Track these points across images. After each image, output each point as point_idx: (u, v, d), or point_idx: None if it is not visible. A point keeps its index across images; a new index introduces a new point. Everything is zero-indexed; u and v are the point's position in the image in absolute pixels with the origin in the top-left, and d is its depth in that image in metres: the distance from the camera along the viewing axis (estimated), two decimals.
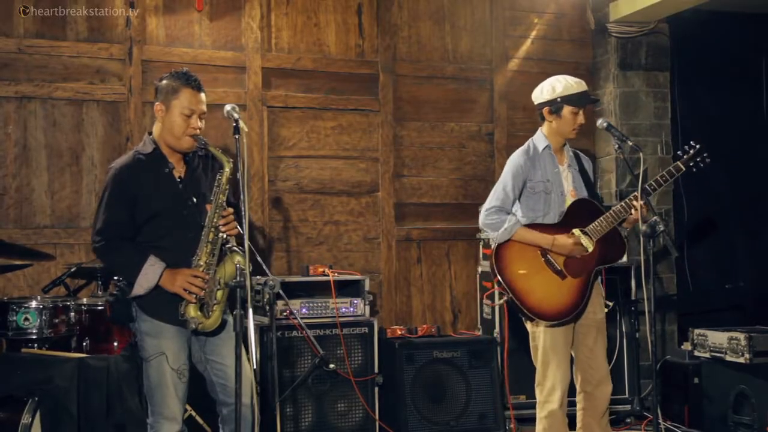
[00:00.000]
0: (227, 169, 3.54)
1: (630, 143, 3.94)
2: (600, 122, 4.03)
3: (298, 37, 5.73)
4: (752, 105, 6.68)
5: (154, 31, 5.41)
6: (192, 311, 3.44)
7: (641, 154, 3.96)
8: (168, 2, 5.44)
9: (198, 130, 3.58)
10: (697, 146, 4.07)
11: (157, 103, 3.63)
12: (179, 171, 3.63)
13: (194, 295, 3.43)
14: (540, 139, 4.16)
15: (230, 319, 3.59)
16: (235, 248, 3.48)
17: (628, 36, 6.17)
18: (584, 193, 4.15)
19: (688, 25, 6.19)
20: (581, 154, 4.29)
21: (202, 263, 3.48)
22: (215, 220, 3.50)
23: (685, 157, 4.08)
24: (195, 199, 3.60)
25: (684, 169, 4.07)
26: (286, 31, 5.70)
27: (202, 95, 3.64)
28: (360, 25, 5.87)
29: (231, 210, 3.57)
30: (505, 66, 6.18)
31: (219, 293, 3.49)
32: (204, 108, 3.64)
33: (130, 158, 3.60)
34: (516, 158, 4.15)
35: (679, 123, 6.33)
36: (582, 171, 4.21)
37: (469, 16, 6.14)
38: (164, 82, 3.65)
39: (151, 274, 3.43)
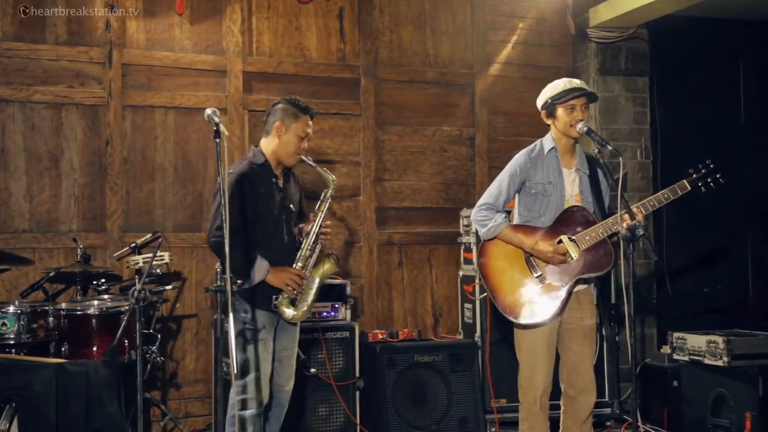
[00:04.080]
0: (332, 186, 4.12)
1: (610, 148, 3.93)
2: (580, 127, 4.02)
3: (280, 41, 5.73)
4: (730, 109, 6.75)
5: (135, 35, 5.39)
6: (286, 303, 3.94)
7: (621, 159, 3.97)
8: (148, 5, 5.42)
9: (304, 151, 4.09)
10: (711, 165, 4.00)
11: (277, 122, 4.04)
12: (281, 181, 4.10)
13: (293, 290, 3.92)
14: (548, 140, 4.15)
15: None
16: (332, 253, 4.11)
17: (608, 41, 6.22)
18: (590, 199, 4.10)
19: (667, 30, 6.25)
20: (598, 159, 4.08)
21: (300, 264, 4.00)
22: (317, 229, 4.03)
23: (694, 175, 3.99)
24: (291, 206, 4.10)
25: (690, 188, 3.98)
26: (267, 35, 5.70)
27: (311, 122, 4.12)
28: (341, 29, 5.87)
29: (329, 223, 4.11)
30: (486, 71, 6.21)
31: (312, 291, 4.02)
32: (311, 133, 4.13)
33: (246, 166, 4.00)
34: (518, 157, 4.16)
35: (658, 128, 6.39)
36: (593, 176, 4.14)
37: (450, 20, 6.16)
38: (283, 105, 4.09)
39: (262, 269, 3.88)
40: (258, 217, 3.95)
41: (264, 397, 3.95)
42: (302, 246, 4.03)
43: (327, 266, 4.07)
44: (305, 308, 4.00)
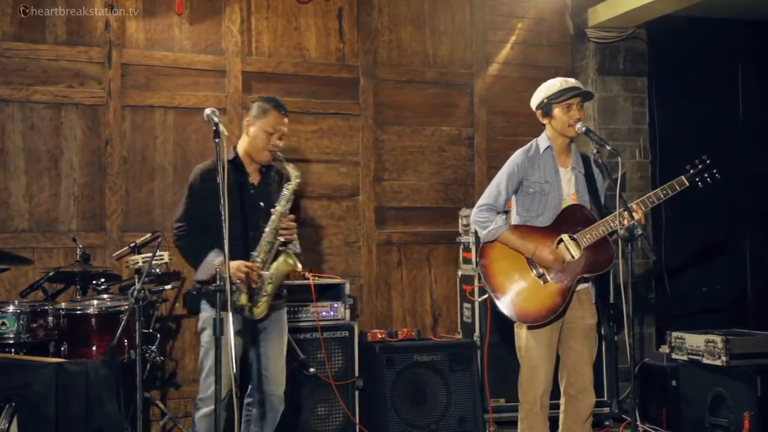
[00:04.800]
0: (294, 182, 3.99)
1: (608, 148, 3.94)
2: (579, 126, 4.03)
3: (279, 41, 5.73)
4: (729, 109, 6.76)
5: (134, 35, 5.39)
6: (243, 299, 3.85)
7: (619, 159, 3.98)
8: (148, 5, 5.43)
9: (276, 147, 4.03)
10: (707, 161, 4.02)
11: (248, 119, 4.07)
12: (254, 179, 4.07)
13: (245, 285, 3.83)
14: (543, 139, 4.16)
15: (284, 315, 4.14)
16: (289, 250, 3.96)
17: (607, 41, 6.23)
18: (586, 198, 4.11)
19: (665, 30, 6.26)
20: (592, 158, 4.17)
21: (259, 259, 3.89)
22: (277, 224, 3.91)
23: (691, 171, 4.02)
24: (263, 204, 4.01)
25: (688, 184, 4.00)
26: (266, 35, 5.70)
27: (286, 119, 4.07)
28: (340, 29, 5.88)
29: (293, 217, 3.99)
30: (485, 70, 6.21)
31: (268, 287, 3.89)
32: (286, 130, 4.08)
33: (210, 163, 4.01)
34: (515, 157, 4.16)
35: (656, 127, 6.40)
36: (588, 175, 4.15)
37: (450, 20, 6.17)
38: (256, 103, 4.10)
39: (214, 262, 3.81)
40: (219, 213, 3.82)
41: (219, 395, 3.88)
42: (260, 241, 3.93)
43: (280, 261, 3.92)
44: (261, 306, 3.89)
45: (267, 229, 3.93)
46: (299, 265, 3.98)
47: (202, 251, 3.90)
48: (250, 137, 4.04)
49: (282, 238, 3.93)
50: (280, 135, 4.05)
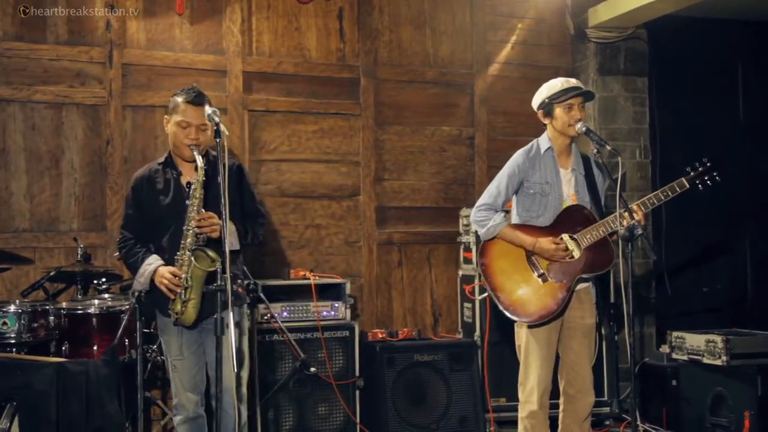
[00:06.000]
0: (200, 173, 3.71)
1: (609, 148, 3.95)
2: (579, 126, 4.03)
3: (279, 41, 5.74)
4: (729, 109, 6.77)
5: (135, 35, 5.40)
6: (177, 306, 3.73)
7: (619, 159, 3.99)
8: (148, 5, 5.43)
9: (196, 141, 3.79)
10: (708, 164, 4.02)
11: (165, 117, 3.93)
12: (189, 177, 3.86)
13: (172, 291, 3.71)
14: (544, 140, 4.16)
15: (240, 314, 3.94)
16: (198, 249, 3.67)
17: (607, 41, 6.23)
18: (586, 199, 4.11)
19: (666, 30, 6.26)
20: (592, 159, 4.18)
21: (182, 262, 3.73)
22: (190, 222, 3.71)
23: (692, 174, 4.03)
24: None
25: (688, 186, 4.00)
26: (267, 35, 5.71)
27: (202, 109, 3.73)
28: (341, 29, 5.88)
29: (210, 214, 3.70)
30: (485, 71, 6.22)
31: (187, 291, 3.69)
32: (203, 120, 3.75)
33: (144, 170, 3.96)
34: (516, 157, 4.16)
35: (657, 127, 6.40)
36: (588, 175, 4.15)
37: (450, 21, 6.17)
38: (171, 97, 3.93)
39: (147, 272, 3.78)
40: (158, 214, 3.85)
41: (184, 403, 3.90)
42: (181, 243, 3.74)
43: (192, 264, 3.65)
44: (187, 309, 3.70)
45: (183, 230, 3.72)
46: (214, 265, 3.51)
47: (139, 260, 3.82)
48: (169, 134, 3.87)
49: (204, 236, 3.70)
50: (198, 127, 3.78)
